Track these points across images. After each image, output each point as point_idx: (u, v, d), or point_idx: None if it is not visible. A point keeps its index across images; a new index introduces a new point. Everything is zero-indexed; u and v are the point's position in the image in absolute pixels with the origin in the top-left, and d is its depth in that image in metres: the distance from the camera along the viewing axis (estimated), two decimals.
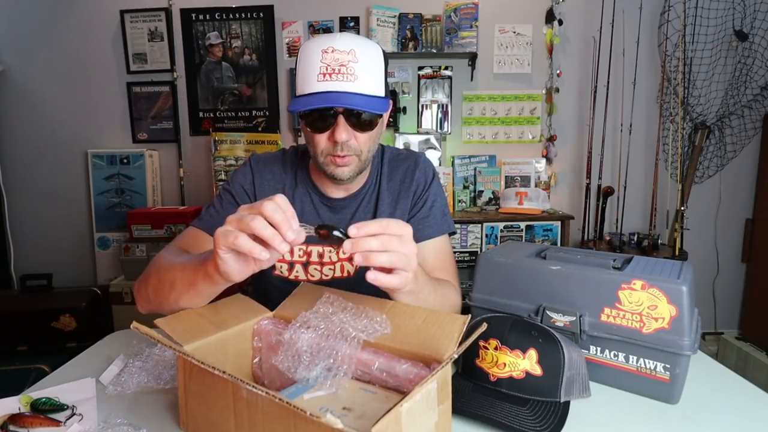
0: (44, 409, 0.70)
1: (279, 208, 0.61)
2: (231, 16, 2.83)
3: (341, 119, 0.86)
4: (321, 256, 1.02)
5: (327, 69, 0.81)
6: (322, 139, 0.89)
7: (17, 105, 2.91)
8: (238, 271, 0.66)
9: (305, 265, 1.03)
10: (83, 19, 2.85)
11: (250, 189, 1.03)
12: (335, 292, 0.77)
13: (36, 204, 2.97)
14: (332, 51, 0.82)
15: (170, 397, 0.74)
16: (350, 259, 1.03)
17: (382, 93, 0.88)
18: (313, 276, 1.03)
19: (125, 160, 2.85)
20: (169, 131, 2.92)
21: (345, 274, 1.03)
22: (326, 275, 1.03)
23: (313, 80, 0.82)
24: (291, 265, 1.03)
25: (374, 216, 1.03)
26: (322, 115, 0.86)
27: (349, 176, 0.93)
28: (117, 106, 2.92)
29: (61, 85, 2.90)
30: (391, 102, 0.96)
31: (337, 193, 1.03)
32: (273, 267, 1.04)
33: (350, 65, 0.82)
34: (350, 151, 0.89)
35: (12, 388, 0.78)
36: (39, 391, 0.75)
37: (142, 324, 0.62)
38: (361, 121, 0.87)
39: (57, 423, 0.68)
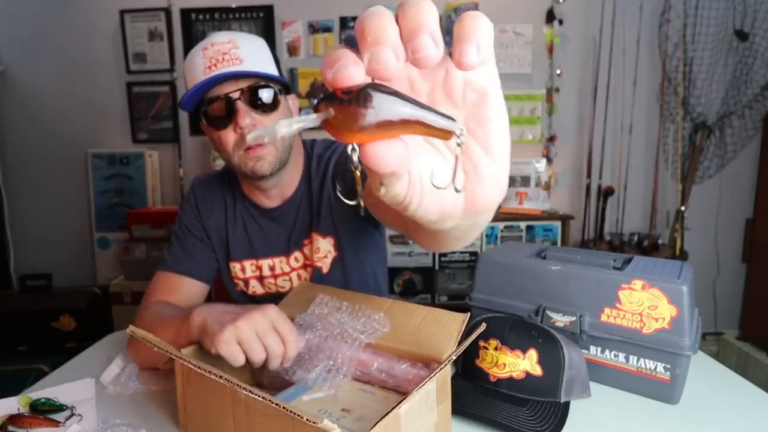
0: (44, 410, 0.70)
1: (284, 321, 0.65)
2: (231, 16, 2.83)
3: (240, 105, 0.82)
4: (272, 268, 1.00)
5: (210, 61, 0.81)
6: (228, 135, 0.84)
7: (17, 105, 2.91)
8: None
9: (260, 279, 1.01)
10: (83, 19, 2.85)
11: (195, 213, 1.01)
12: (329, 292, 0.76)
13: (36, 204, 2.97)
14: (212, 45, 0.82)
15: (169, 398, 0.74)
16: (304, 267, 0.99)
17: (274, 72, 0.86)
18: (270, 290, 1.02)
19: (125, 160, 2.85)
20: (168, 131, 2.92)
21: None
22: (282, 287, 1.01)
23: (199, 77, 0.81)
24: (246, 282, 1.02)
25: (316, 219, 0.97)
26: (219, 107, 0.82)
27: (271, 170, 0.87)
28: (117, 105, 2.92)
29: (61, 84, 2.90)
30: (297, 98, 0.94)
31: (270, 201, 0.98)
32: (235, 285, 1.03)
33: (232, 52, 0.81)
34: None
35: (11, 388, 0.78)
36: (38, 392, 0.74)
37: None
38: (262, 102, 0.83)
39: (56, 423, 0.68)
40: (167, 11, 2.82)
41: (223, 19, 2.83)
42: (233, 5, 2.81)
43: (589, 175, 2.79)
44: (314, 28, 2.83)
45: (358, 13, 2.79)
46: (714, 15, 2.71)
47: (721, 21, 2.72)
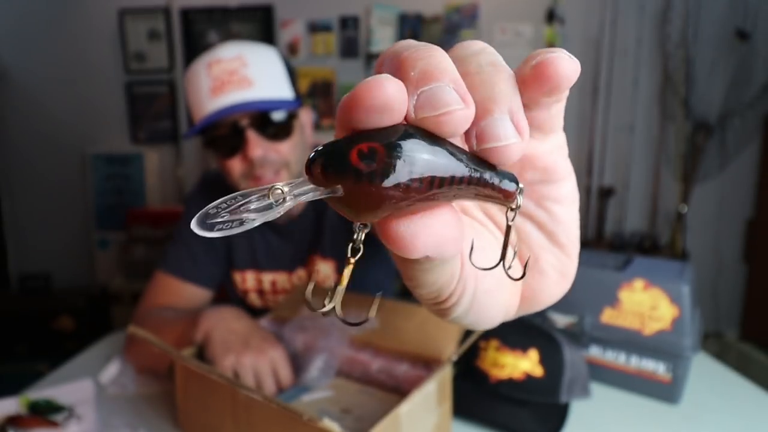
0: (43, 411, 0.70)
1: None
2: (231, 15, 2.83)
3: (251, 133, 0.75)
4: (274, 284, 0.97)
5: (215, 82, 0.74)
6: (235, 164, 0.78)
7: (16, 105, 2.91)
8: None
9: (259, 292, 0.98)
10: (82, 19, 2.85)
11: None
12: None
13: (35, 204, 2.97)
14: (217, 62, 0.75)
15: (168, 399, 0.73)
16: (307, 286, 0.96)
17: (288, 95, 0.78)
18: (268, 305, 0.99)
19: (124, 160, 2.85)
20: (168, 131, 2.92)
21: None
22: None
23: (204, 100, 0.74)
24: (245, 293, 0.98)
25: (317, 239, 0.93)
26: (226, 134, 0.76)
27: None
28: (116, 105, 2.91)
29: (60, 84, 2.89)
30: (311, 111, 0.88)
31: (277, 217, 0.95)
32: (235, 289, 1.00)
33: (241, 71, 0.74)
34: (274, 166, 0.78)
35: (10, 389, 0.78)
36: (37, 393, 0.74)
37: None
38: (274, 129, 0.76)
39: (55, 424, 0.67)
40: (167, 11, 2.82)
41: (223, 18, 2.82)
42: (233, 5, 2.81)
43: (589, 175, 2.79)
44: (314, 28, 2.83)
45: (358, 12, 2.81)
46: (715, 14, 2.71)
47: (722, 20, 2.72)
